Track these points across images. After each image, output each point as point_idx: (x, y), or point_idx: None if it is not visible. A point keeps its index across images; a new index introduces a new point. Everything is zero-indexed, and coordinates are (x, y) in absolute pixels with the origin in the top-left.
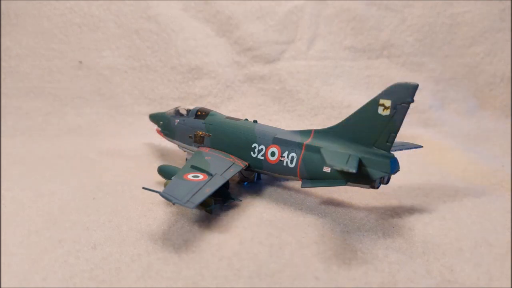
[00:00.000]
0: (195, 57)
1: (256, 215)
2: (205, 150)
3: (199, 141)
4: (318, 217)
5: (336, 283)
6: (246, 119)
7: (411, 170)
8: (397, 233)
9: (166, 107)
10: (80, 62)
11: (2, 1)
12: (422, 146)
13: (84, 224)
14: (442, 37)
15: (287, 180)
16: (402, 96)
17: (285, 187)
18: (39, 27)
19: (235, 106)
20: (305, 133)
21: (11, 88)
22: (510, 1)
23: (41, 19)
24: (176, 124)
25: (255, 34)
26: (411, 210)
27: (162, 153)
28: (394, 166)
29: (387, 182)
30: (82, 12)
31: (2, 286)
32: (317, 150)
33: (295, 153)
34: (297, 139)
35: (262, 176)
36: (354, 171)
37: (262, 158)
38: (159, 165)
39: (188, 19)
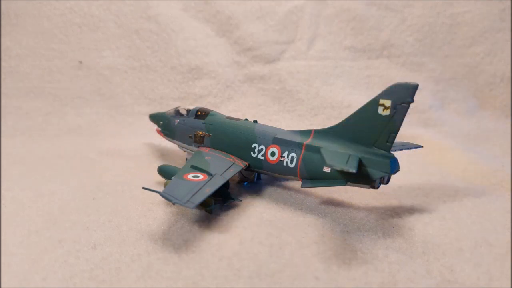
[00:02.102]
0: (195, 57)
1: (256, 215)
2: (205, 150)
3: (199, 141)
4: (318, 217)
5: (336, 283)
6: (246, 119)
7: (411, 170)
8: (397, 233)
9: (166, 107)
10: (80, 62)
11: (2, 1)
12: (422, 146)
13: (84, 224)
14: (442, 37)
15: (287, 180)
16: (402, 96)
17: (285, 187)
18: (39, 27)
19: (235, 106)
20: (305, 133)
21: (11, 88)
22: (510, 1)
23: (41, 19)
24: (176, 124)
25: (255, 34)
26: (411, 210)
27: (162, 153)
28: (394, 166)
29: (387, 182)
30: (82, 12)
31: (2, 286)
32: (317, 150)
33: (295, 153)
34: (297, 139)
35: (262, 176)
36: (354, 171)
37: (262, 158)
38: (159, 165)
39: (188, 19)
